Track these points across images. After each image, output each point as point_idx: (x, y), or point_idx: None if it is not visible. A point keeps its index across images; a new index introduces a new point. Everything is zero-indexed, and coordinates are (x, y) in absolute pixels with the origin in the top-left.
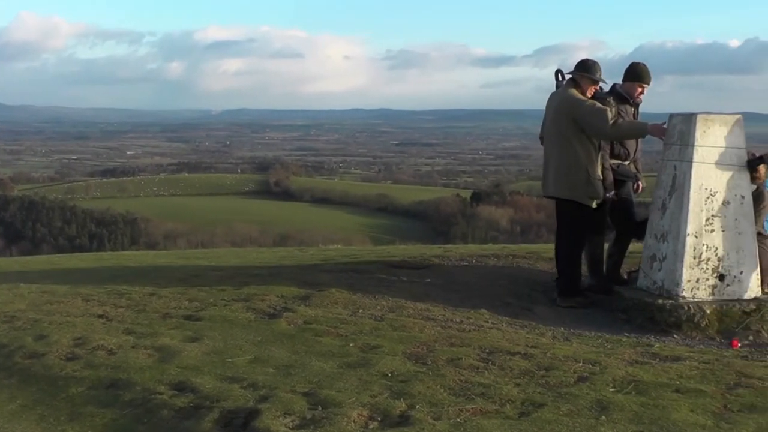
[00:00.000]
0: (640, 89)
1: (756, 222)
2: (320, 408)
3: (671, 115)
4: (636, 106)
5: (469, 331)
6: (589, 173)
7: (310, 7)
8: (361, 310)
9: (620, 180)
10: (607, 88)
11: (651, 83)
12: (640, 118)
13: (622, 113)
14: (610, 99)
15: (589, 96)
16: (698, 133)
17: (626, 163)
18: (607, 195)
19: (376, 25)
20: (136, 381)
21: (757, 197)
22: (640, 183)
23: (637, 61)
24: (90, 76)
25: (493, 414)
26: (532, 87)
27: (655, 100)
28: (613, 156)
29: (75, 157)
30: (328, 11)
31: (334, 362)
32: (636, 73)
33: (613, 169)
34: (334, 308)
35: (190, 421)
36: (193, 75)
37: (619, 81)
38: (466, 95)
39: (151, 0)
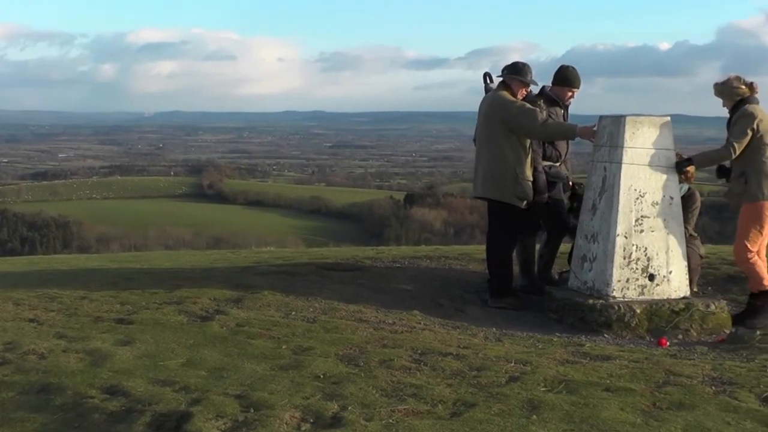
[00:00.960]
0: (569, 93)
1: (688, 222)
2: (252, 410)
3: (601, 117)
4: (566, 108)
5: (402, 332)
6: (518, 174)
7: (243, 9)
8: (293, 312)
9: (552, 181)
10: (538, 90)
11: (581, 86)
12: (570, 120)
13: (552, 115)
14: (540, 101)
15: (520, 98)
16: (627, 135)
17: (558, 164)
18: (541, 197)
19: (309, 28)
20: (68, 385)
21: (688, 198)
22: (571, 184)
23: (567, 64)
24: (21, 78)
25: (425, 414)
26: (464, 89)
27: (586, 102)
28: (544, 158)
29: (6, 161)
30: (261, 13)
31: (267, 364)
32: (565, 78)
33: (545, 171)
34: (267, 310)
35: (121, 425)
36: (125, 77)
37: (548, 85)
38: (400, 97)
39: (83, 1)
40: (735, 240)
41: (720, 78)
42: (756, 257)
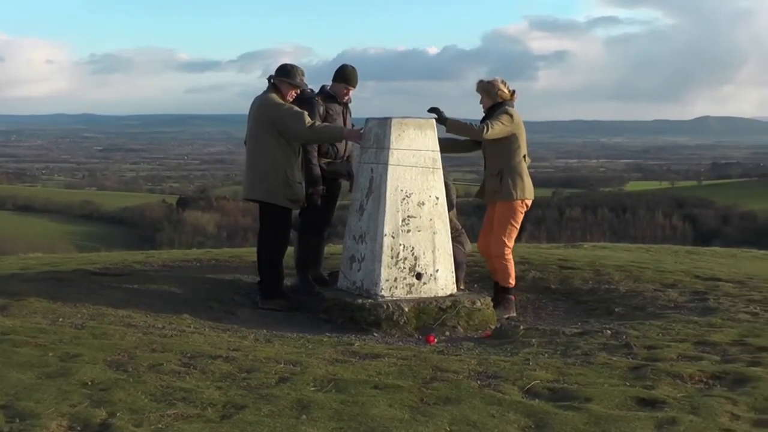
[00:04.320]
0: (346, 90)
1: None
2: (18, 420)
3: (367, 120)
4: (345, 105)
5: (171, 336)
6: (288, 176)
7: (11, 10)
8: (61, 319)
9: (331, 179)
10: (315, 91)
11: (357, 86)
12: (354, 123)
13: (330, 112)
14: (318, 99)
15: (290, 100)
16: (393, 137)
17: (338, 161)
18: (313, 193)
19: (80, 29)
20: None
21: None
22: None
23: (346, 63)
24: None
25: (195, 418)
26: (237, 92)
27: (358, 105)
28: (322, 155)
29: None
30: (30, 14)
31: (33, 373)
32: (342, 75)
33: (323, 168)
34: (33, 318)
35: None
36: None
37: (328, 83)
38: (171, 100)
39: None
40: (492, 236)
41: (486, 78)
42: (510, 254)
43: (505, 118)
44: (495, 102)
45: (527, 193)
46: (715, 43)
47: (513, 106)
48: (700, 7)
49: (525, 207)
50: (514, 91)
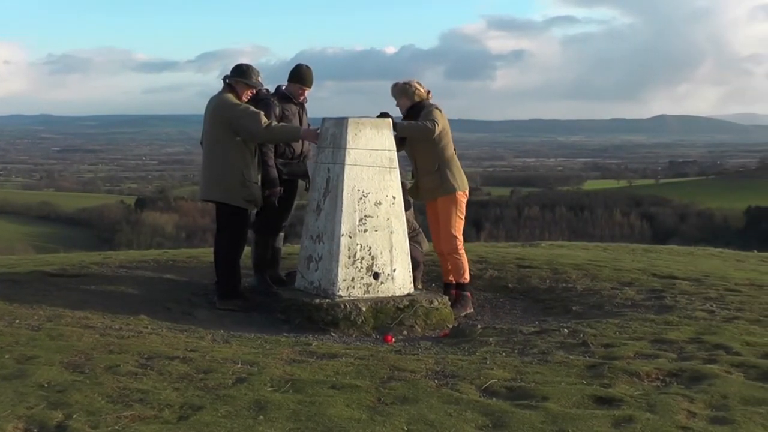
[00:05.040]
0: (301, 91)
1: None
2: None
3: (324, 119)
4: (301, 105)
5: (129, 337)
6: (245, 177)
7: None
8: (17, 321)
9: (288, 179)
10: (271, 91)
11: (312, 86)
12: (310, 122)
13: (286, 112)
14: (274, 99)
15: (245, 100)
16: (350, 136)
17: (295, 162)
18: (270, 194)
19: (37, 29)
20: None
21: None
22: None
23: (301, 63)
24: None
25: (152, 419)
26: (195, 92)
27: (316, 105)
28: (278, 155)
29: None
30: None
31: None
32: (297, 75)
33: (279, 169)
34: None
35: None
36: None
37: (284, 83)
38: (129, 101)
39: None
40: (441, 233)
41: (401, 80)
42: (462, 247)
43: (436, 114)
44: (413, 102)
45: (465, 183)
46: (672, 43)
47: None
48: (657, 7)
49: (466, 197)
50: (429, 91)
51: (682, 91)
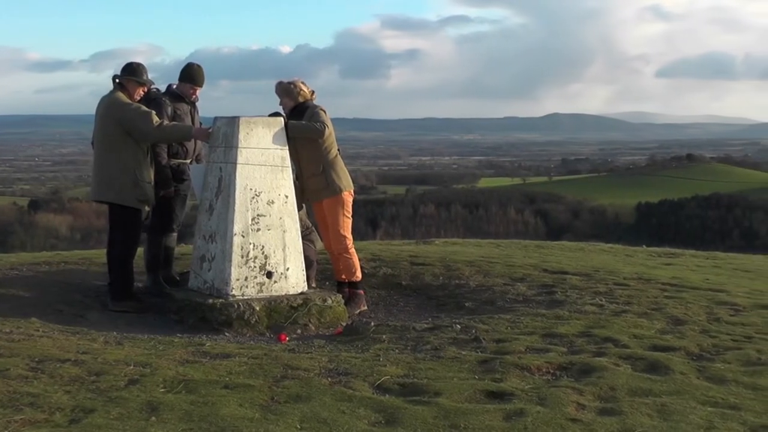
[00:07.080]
0: (192, 90)
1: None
2: None
3: (216, 119)
4: (193, 104)
5: (19, 340)
6: (137, 176)
7: None
8: None
9: (181, 178)
10: (162, 90)
11: (204, 85)
12: (202, 122)
13: (178, 112)
14: (166, 99)
15: (137, 99)
16: (242, 135)
17: (187, 161)
18: (163, 194)
19: None
20: None
21: None
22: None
23: (191, 62)
24: None
25: (43, 423)
26: (88, 92)
27: (211, 105)
28: (171, 155)
29: None
30: None
31: None
32: (188, 75)
33: (173, 168)
34: None
35: None
36: None
37: (174, 82)
38: (21, 101)
39: None
40: (330, 233)
41: (286, 79)
42: (352, 246)
43: (323, 115)
44: (297, 102)
45: (351, 183)
46: (564, 42)
47: None
48: (549, 7)
49: (352, 196)
50: (314, 91)
51: (574, 90)
